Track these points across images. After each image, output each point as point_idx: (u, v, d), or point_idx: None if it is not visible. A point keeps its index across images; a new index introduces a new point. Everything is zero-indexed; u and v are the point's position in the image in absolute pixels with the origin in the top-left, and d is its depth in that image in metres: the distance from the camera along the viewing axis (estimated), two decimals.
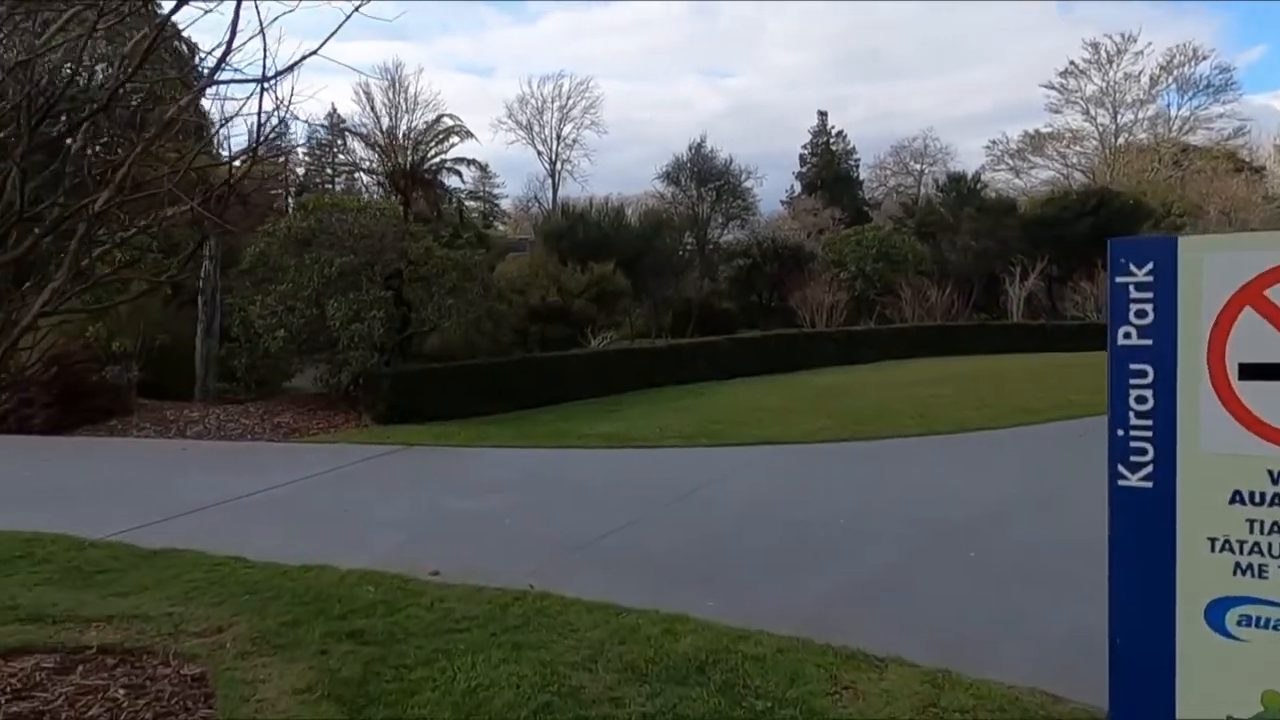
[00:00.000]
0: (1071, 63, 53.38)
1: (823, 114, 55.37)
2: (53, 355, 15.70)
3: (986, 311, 37.56)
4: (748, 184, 34.86)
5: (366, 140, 24.19)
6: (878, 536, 8.06)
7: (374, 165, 25.11)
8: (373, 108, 30.71)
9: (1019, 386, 17.90)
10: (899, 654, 5.04)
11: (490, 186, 56.67)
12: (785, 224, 40.61)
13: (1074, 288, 31.35)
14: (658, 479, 10.82)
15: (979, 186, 35.93)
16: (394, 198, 22.08)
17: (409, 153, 23.68)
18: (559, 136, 51.81)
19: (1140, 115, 53.47)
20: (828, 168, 53.36)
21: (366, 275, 16.59)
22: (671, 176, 33.43)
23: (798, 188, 53.76)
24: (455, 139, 24.80)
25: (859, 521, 8.58)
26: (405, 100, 31.83)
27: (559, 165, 51.35)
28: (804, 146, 54.42)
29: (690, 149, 33.30)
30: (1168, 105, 52.58)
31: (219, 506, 9.65)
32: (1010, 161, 57.56)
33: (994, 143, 56.63)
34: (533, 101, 51.74)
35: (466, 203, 55.78)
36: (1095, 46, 52.45)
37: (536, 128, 52.03)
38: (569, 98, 51.56)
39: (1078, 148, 56.81)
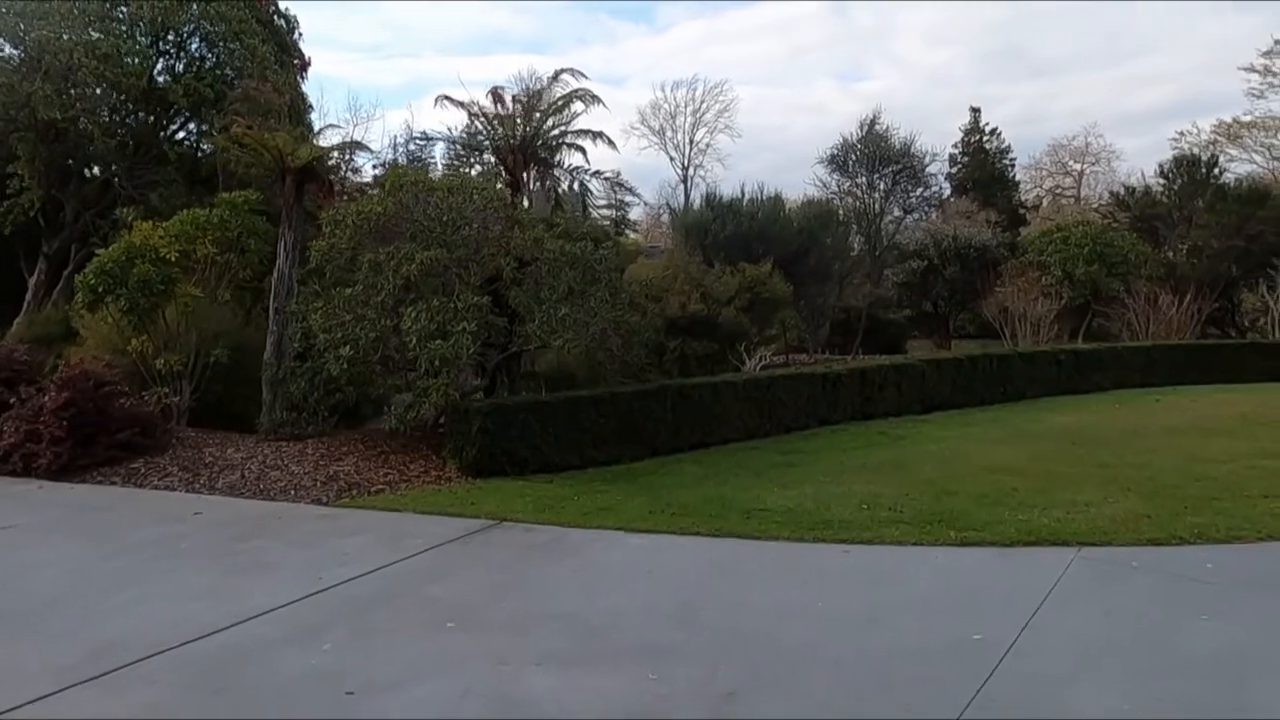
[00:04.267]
0: (1277, 41, 45.00)
1: (975, 110, 51.02)
2: (66, 376, 12.43)
3: (1216, 326, 30.95)
4: (931, 168, 29.20)
5: (466, 109, 20.33)
6: None
7: (479, 141, 21.23)
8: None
9: None
10: None
11: (621, 194, 54.35)
12: (938, 228, 35.84)
13: None
14: (906, 629, 6.12)
15: (1217, 172, 29.23)
16: (500, 178, 18.24)
17: (519, 123, 19.58)
18: (692, 142, 50.75)
19: None
20: (981, 168, 49.10)
21: (459, 275, 12.59)
22: (837, 161, 28.10)
23: (947, 190, 48.47)
24: (579, 105, 20.64)
25: None
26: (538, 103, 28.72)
27: (691, 171, 49.95)
28: (954, 146, 49.55)
29: (861, 126, 27.81)
30: None
31: (155, 661, 5.63)
32: (1199, 153, 49.90)
33: (1181, 134, 48.90)
34: (665, 106, 51.39)
35: (599, 210, 53.29)
36: None
37: (669, 133, 51.28)
38: (702, 101, 50.45)
39: None
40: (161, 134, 22.42)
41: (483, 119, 19.90)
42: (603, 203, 52.31)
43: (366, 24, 65.96)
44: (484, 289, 13.32)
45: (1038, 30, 71.93)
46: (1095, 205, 46.85)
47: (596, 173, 22.09)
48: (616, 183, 26.35)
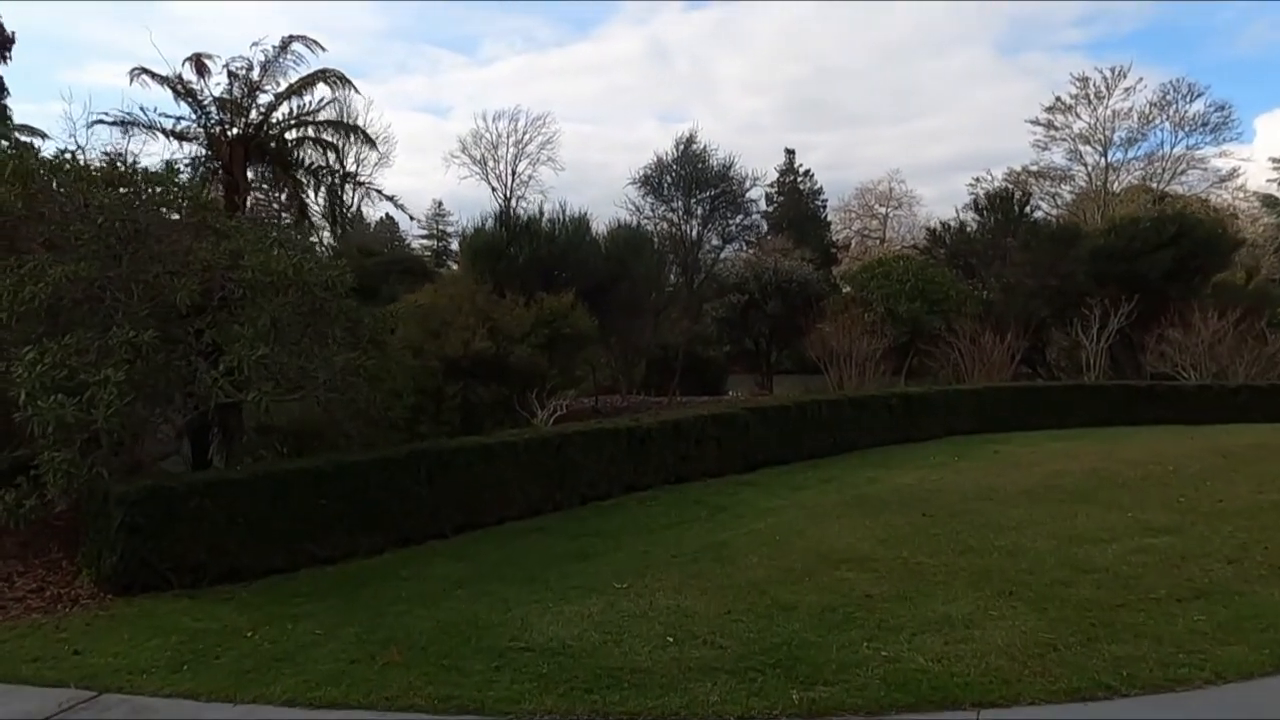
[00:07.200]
0: (1058, 98, 47.75)
1: (790, 152, 52.89)
2: None
3: (1027, 365, 30.86)
4: (752, 194, 27.10)
5: (170, 85, 16.10)
6: None
7: (189, 129, 17.16)
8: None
9: None
10: None
11: (444, 224, 51.22)
12: (758, 260, 34.75)
13: (1161, 336, 24.44)
14: None
15: (1029, 210, 29.04)
16: (211, 178, 14.46)
17: (244, 106, 15.75)
18: (514, 173, 49.00)
19: (1130, 154, 48.01)
20: (795, 207, 51.33)
21: (121, 302, 8.96)
22: (651, 182, 25.45)
23: (764, 227, 49.03)
24: (324, 89, 17.00)
25: None
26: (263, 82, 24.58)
27: (514, 202, 48.15)
28: (770, 185, 50.28)
29: (677, 145, 25.36)
30: (1161, 144, 46.72)
31: None
32: (1012, 190, 52.65)
33: (978, 180, 51.48)
34: (487, 136, 49.20)
35: (417, 240, 49.37)
36: (1084, 81, 46.68)
37: (491, 163, 49.34)
38: (525, 133, 48.79)
39: (1067, 187, 52.02)
40: None
41: (190, 100, 15.99)
42: (423, 233, 48.84)
43: (159, 38, 59.14)
44: (189, 320, 9.77)
45: (836, 88, 77.05)
46: (900, 246, 47.95)
47: (347, 175, 18.48)
48: (398, 205, 22.93)
